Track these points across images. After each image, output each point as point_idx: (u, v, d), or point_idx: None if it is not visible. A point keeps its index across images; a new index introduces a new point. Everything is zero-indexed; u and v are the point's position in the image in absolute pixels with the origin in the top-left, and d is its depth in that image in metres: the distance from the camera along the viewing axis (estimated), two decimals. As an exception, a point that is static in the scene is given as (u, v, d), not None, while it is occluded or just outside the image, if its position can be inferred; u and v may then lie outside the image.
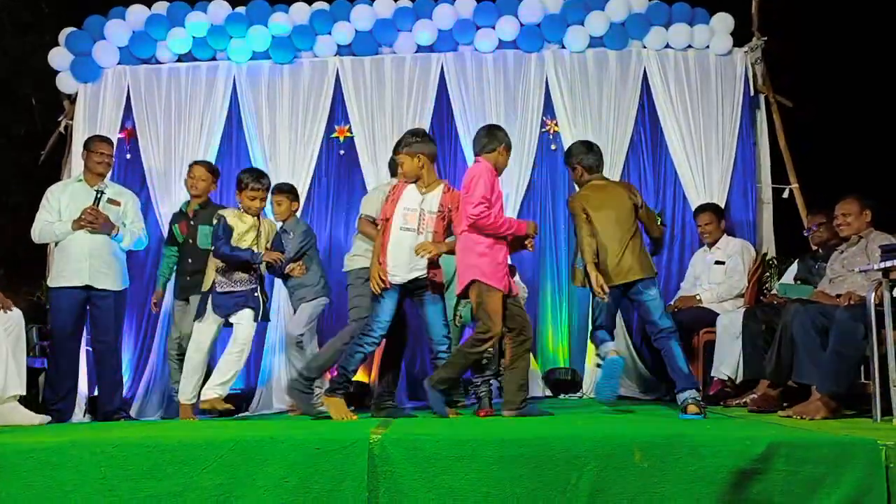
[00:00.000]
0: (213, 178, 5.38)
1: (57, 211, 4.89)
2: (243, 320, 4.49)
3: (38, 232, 4.91)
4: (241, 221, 4.59)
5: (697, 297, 5.43)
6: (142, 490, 2.85)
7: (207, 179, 5.30)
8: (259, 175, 4.68)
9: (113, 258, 4.95)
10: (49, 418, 4.32)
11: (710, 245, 5.60)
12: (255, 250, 4.57)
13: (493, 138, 4.17)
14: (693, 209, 5.92)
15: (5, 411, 4.20)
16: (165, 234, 6.01)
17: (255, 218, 4.65)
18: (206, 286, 4.62)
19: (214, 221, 4.60)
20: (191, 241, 5.20)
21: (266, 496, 2.83)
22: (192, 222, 5.23)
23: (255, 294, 4.55)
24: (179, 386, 4.68)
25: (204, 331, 4.53)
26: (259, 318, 4.55)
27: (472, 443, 2.87)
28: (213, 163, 5.73)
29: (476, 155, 4.20)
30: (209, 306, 4.53)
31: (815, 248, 5.09)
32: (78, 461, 2.90)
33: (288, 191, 5.22)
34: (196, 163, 5.40)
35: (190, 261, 5.16)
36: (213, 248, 4.56)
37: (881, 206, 4.54)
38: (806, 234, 5.23)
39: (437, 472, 2.82)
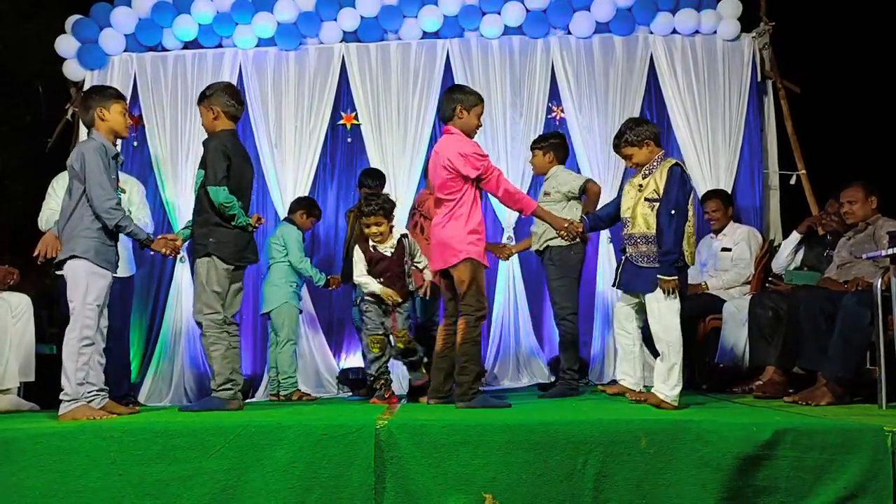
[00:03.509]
0: None
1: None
2: None
3: (45, 220, 4.93)
4: None
5: (703, 284, 5.42)
6: (151, 474, 2.88)
7: None
8: None
9: (120, 246, 4.95)
10: (36, 406, 4.37)
11: (717, 232, 5.59)
12: None
13: (450, 101, 4.08)
14: (700, 195, 5.89)
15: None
16: (172, 220, 6.05)
17: None
18: None
19: None
20: None
21: (274, 481, 2.86)
22: None
23: None
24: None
25: None
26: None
27: (478, 428, 2.89)
28: None
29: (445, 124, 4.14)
30: None
31: (822, 234, 5.06)
32: (88, 446, 2.93)
33: None
34: None
35: None
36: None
37: (888, 192, 4.52)
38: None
39: (444, 457, 2.84)
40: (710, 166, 6.08)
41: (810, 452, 2.79)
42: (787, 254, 5.07)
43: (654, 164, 3.89)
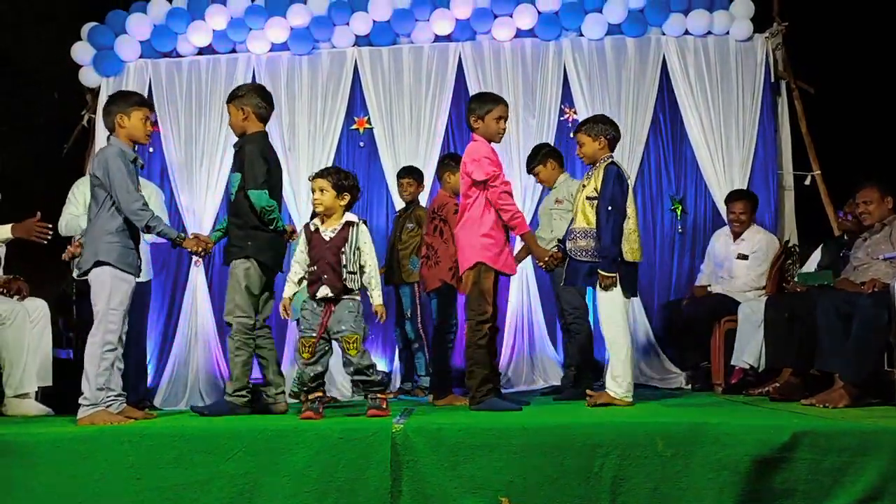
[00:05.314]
0: None
1: (83, 204, 4.93)
2: None
3: (65, 225, 4.97)
4: None
5: (708, 289, 5.44)
6: (168, 479, 2.90)
7: None
8: None
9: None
10: (52, 410, 4.38)
11: (736, 235, 5.52)
12: None
13: (468, 113, 4.08)
14: (724, 196, 5.74)
15: (16, 402, 4.32)
16: (188, 226, 6.09)
17: None
18: None
19: None
20: None
21: (290, 485, 2.87)
22: None
23: None
24: None
25: None
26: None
27: (494, 431, 2.89)
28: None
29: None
30: None
31: (839, 233, 5.02)
32: (106, 450, 2.96)
33: None
34: None
35: None
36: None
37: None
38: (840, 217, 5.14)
39: (460, 460, 2.84)
40: (724, 167, 6.05)
41: (828, 455, 2.77)
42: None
43: (598, 163, 4.07)
